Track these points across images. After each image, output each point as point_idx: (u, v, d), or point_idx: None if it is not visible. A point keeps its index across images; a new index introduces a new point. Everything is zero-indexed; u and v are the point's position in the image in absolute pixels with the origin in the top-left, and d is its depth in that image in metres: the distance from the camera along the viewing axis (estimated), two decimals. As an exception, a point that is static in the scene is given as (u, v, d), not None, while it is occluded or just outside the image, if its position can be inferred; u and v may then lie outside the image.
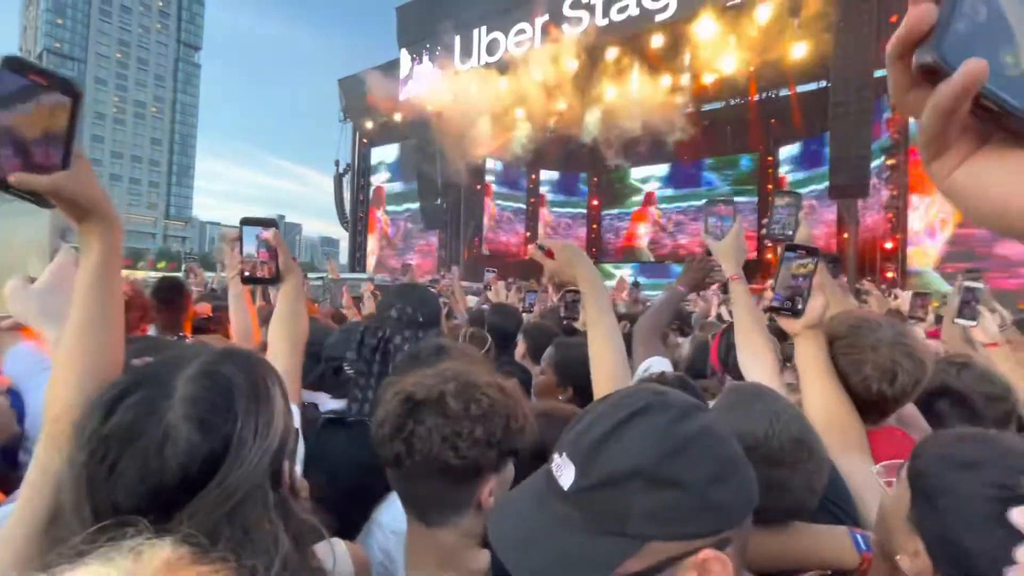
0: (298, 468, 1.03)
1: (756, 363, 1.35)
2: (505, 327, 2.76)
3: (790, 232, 1.43)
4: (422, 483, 0.87)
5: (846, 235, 13.00)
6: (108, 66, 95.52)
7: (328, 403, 1.82)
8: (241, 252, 1.25)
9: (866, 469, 1.08)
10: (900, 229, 11.85)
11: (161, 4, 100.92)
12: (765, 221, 1.47)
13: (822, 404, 1.18)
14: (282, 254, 1.26)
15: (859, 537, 0.94)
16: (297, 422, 1.07)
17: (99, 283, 0.77)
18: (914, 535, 0.74)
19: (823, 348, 1.20)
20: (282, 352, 1.24)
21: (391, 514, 1.07)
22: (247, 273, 1.25)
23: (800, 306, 1.15)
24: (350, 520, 1.12)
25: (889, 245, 12.12)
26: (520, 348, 2.63)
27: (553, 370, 1.98)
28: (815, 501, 0.94)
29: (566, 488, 0.58)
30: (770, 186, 15.94)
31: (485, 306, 4.31)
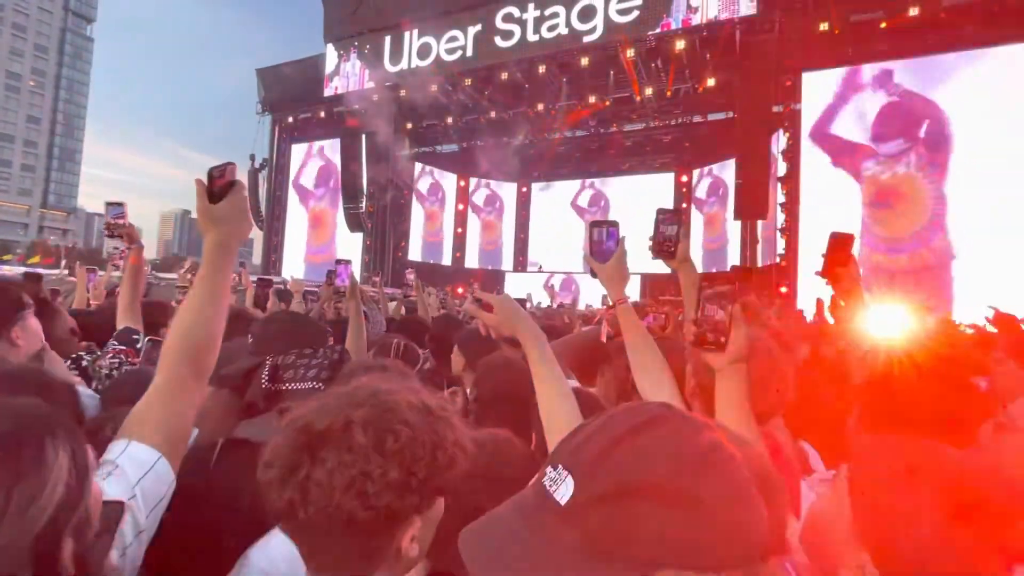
0: (145, 519, 0.84)
1: (659, 390, 1.31)
2: (448, 339, 2.34)
3: (672, 249, 1.45)
4: (324, 539, 0.69)
5: (749, 253, 14.24)
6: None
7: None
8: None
9: None
10: (791, 250, 13.16)
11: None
12: (649, 239, 1.47)
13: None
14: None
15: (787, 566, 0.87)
16: (163, 469, 0.89)
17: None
18: (859, 548, 0.70)
19: (746, 382, 1.13)
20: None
21: (266, 554, 0.91)
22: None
23: (723, 339, 1.10)
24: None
25: (784, 264, 13.40)
26: (457, 362, 2.19)
27: (460, 351, 1.97)
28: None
29: (562, 502, 0.51)
30: (684, 204, 17.08)
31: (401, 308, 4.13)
